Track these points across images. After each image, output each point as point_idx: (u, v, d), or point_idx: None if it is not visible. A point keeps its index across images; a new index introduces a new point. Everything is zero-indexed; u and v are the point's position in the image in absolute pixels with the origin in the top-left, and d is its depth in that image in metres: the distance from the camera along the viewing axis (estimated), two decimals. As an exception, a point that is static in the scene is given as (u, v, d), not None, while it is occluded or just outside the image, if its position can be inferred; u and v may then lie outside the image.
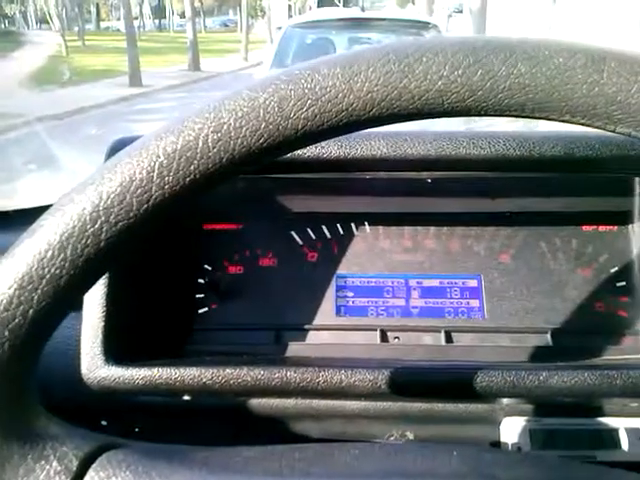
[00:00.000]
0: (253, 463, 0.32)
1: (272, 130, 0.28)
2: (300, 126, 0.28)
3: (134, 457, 0.30)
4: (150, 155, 0.28)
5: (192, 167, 0.28)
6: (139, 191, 0.28)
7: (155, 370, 0.56)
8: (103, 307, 0.57)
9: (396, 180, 0.66)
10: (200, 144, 0.28)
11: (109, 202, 0.28)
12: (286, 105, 0.27)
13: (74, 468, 0.29)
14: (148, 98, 10.61)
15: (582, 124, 0.28)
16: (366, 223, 0.72)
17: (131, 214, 0.28)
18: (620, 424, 0.61)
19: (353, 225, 0.72)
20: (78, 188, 0.28)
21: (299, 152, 0.59)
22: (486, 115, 0.28)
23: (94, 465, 0.30)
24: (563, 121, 0.28)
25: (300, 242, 0.72)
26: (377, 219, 0.72)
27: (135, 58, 12.32)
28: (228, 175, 0.29)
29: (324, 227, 0.72)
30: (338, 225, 0.72)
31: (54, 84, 11.14)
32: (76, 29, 24.45)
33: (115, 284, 0.58)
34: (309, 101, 0.27)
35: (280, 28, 5.53)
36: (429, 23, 4.96)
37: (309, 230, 0.72)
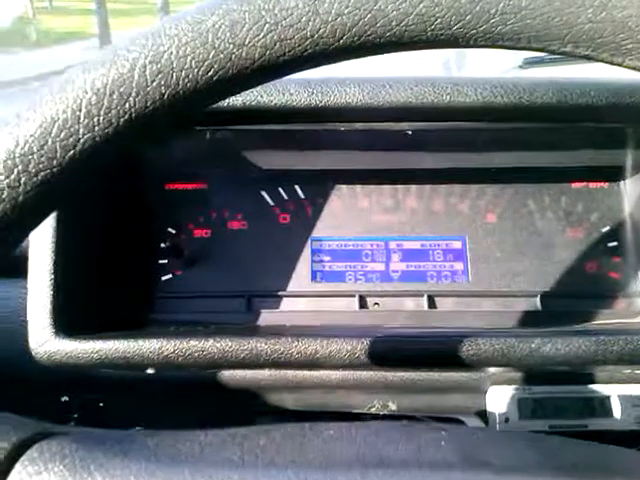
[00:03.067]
0: (210, 451, 0.29)
1: (223, 60, 0.24)
2: (257, 56, 0.24)
3: (70, 447, 0.27)
4: (76, 90, 0.24)
5: (127, 105, 0.24)
6: (63, 134, 0.24)
7: (111, 343, 0.53)
8: (51, 274, 0.53)
9: (374, 132, 0.62)
10: (136, 77, 0.24)
11: (27, 148, 0.24)
12: (239, 30, 0.23)
13: None
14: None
15: (585, 57, 0.24)
16: (342, 181, 0.69)
17: (54, 162, 0.24)
18: (612, 391, 0.60)
19: (328, 183, 0.69)
20: None
21: (265, 100, 0.56)
22: (476, 46, 0.25)
23: (22, 458, 0.26)
24: (563, 53, 0.24)
25: (271, 203, 0.69)
26: (354, 176, 0.69)
27: (105, 20, 12.00)
28: (173, 117, 0.26)
29: (297, 186, 0.69)
30: (312, 184, 0.69)
31: (20, 47, 10.83)
32: (42, -11, 23.68)
33: (65, 248, 0.54)
34: (267, 25, 0.23)
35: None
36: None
37: (281, 189, 0.69)
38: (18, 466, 0.26)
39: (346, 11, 0.23)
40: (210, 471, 0.26)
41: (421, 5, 0.23)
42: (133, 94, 0.24)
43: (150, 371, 0.58)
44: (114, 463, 0.26)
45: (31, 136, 0.24)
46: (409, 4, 0.23)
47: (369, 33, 0.24)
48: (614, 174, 0.68)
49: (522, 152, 0.66)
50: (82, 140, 0.24)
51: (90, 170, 0.25)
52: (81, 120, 0.24)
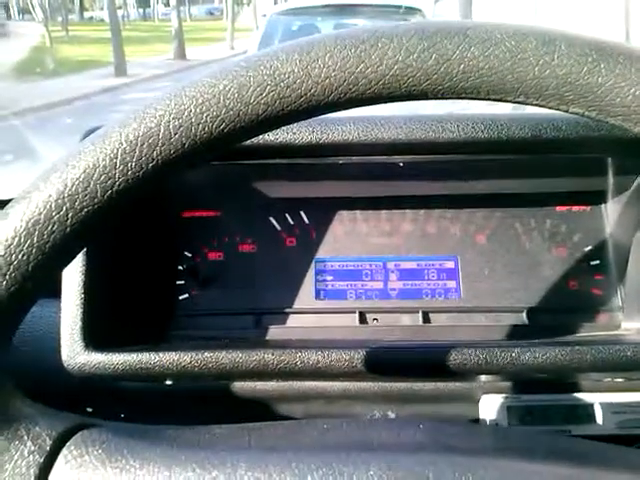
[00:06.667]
0: (223, 440, 0.33)
1: (232, 116, 0.28)
2: (260, 111, 0.28)
3: (107, 436, 0.31)
4: (112, 142, 0.28)
5: (154, 153, 0.28)
6: (102, 178, 0.28)
7: (134, 355, 0.57)
8: (82, 294, 0.57)
9: (370, 164, 0.66)
10: (162, 130, 0.28)
11: (74, 189, 0.28)
12: (246, 91, 0.28)
13: (47, 447, 0.30)
14: (133, 88, 10.52)
15: (536, 105, 0.28)
16: (343, 208, 0.73)
17: (96, 200, 0.29)
18: (595, 399, 0.63)
19: (331, 210, 0.73)
20: (43, 176, 0.29)
21: (272, 138, 0.60)
22: (443, 98, 0.29)
23: (67, 444, 0.30)
24: (518, 102, 0.28)
25: (279, 228, 0.73)
26: (354, 203, 0.73)
27: (120, 48, 12.20)
28: (192, 161, 0.30)
29: (302, 212, 0.73)
30: (316, 210, 0.73)
31: (38, 75, 11.02)
32: (59, 19, 24.11)
33: (93, 271, 0.59)
34: (268, 87, 0.28)
35: (265, 15, 5.49)
36: (414, 8, 4.92)
37: (287, 216, 0.73)
38: (64, 450, 0.30)
39: (333, 74, 0.27)
40: (223, 453, 0.31)
41: (395, 67, 0.27)
42: (159, 144, 0.28)
43: (168, 382, 0.62)
44: (144, 448, 0.30)
45: (77, 179, 0.28)
46: (385, 67, 0.27)
47: (353, 91, 0.28)
48: (596, 198, 0.71)
49: (506, 180, 0.69)
50: (117, 182, 0.28)
51: (123, 206, 0.30)
52: (117, 166, 0.28)
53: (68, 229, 0.28)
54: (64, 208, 0.28)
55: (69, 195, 0.28)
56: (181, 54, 15.11)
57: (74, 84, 10.14)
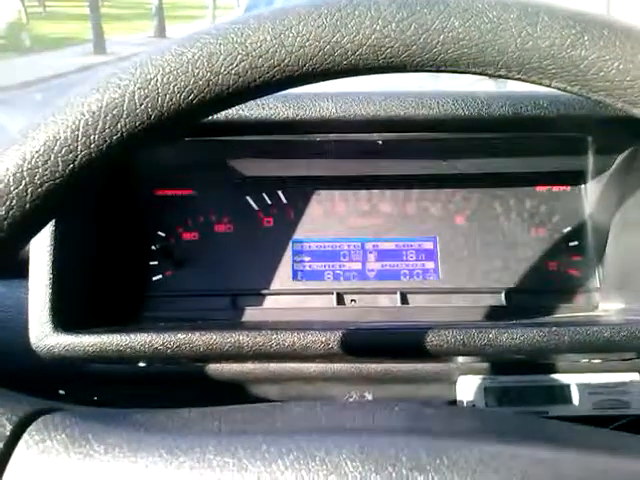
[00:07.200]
0: (192, 424, 0.32)
1: (202, 86, 0.27)
2: (231, 82, 0.27)
3: (71, 420, 0.30)
4: (74, 113, 0.27)
5: (119, 125, 0.27)
6: (64, 150, 0.27)
7: (105, 337, 0.56)
8: (50, 274, 0.56)
9: (348, 142, 0.65)
10: (126, 101, 0.27)
11: (33, 162, 0.27)
12: (216, 60, 0.27)
13: (7, 433, 0.28)
14: (113, 67, 10.32)
15: (518, 79, 0.27)
16: (322, 187, 0.72)
17: (57, 174, 0.27)
18: (571, 380, 0.63)
19: (308, 189, 0.72)
20: (0, 149, 0.27)
21: (246, 114, 0.59)
22: (422, 71, 0.28)
23: (29, 429, 0.29)
24: (499, 76, 0.28)
25: (255, 207, 0.72)
26: (332, 183, 0.72)
27: (99, 25, 11.96)
28: (160, 134, 0.29)
29: (279, 192, 0.72)
30: (293, 189, 0.72)
31: (14, 52, 10.77)
32: (36, -6, 23.57)
33: (63, 251, 0.57)
34: (239, 56, 0.27)
35: (247, -8, 5.42)
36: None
37: (264, 195, 0.72)
38: (25, 435, 0.28)
39: (307, 43, 0.26)
40: (192, 437, 0.30)
41: (372, 37, 0.26)
42: (124, 116, 0.27)
43: (142, 364, 0.61)
44: (109, 433, 0.29)
45: (37, 152, 0.27)
46: (362, 37, 0.26)
47: (328, 62, 0.27)
48: (576, 178, 0.71)
49: (486, 159, 0.69)
50: (80, 156, 0.27)
51: (87, 181, 0.28)
52: (79, 139, 0.27)
53: (27, 205, 0.27)
54: (23, 182, 0.27)
55: (28, 169, 0.27)
56: (161, 32, 14.85)
57: (52, 62, 9.93)
